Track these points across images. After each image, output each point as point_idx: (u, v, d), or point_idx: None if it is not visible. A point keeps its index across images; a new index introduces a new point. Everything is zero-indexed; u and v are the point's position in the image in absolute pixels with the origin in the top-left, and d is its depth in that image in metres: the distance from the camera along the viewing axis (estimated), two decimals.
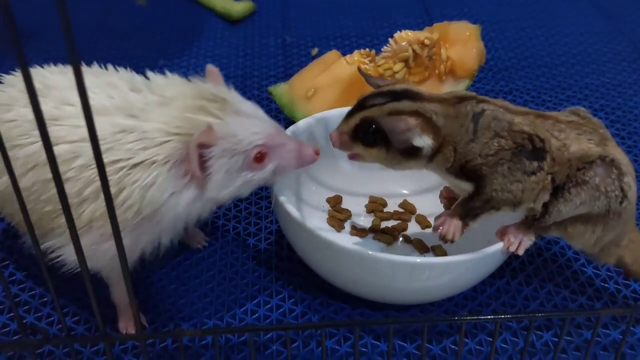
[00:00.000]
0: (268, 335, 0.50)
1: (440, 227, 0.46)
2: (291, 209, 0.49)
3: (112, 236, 0.32)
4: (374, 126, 0.44)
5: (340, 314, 0.52)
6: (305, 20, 0.98)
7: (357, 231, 0.59)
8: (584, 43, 0.93)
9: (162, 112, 0.41)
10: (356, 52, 0.72)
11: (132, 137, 0.41)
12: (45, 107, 0.42)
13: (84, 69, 0.46)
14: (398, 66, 0.70)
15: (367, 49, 0.73)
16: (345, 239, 0.58)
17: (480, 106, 0.44)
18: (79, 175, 0.41)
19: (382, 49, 0.72)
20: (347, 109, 0.60)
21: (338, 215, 0.60)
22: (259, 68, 0.86)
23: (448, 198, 0.53)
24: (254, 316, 0.52)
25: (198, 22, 0.97)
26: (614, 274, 0.56)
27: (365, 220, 0.61)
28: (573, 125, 0.46)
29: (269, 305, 0.53)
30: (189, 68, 0.86)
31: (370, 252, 0.46)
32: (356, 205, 0.62)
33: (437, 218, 0.47)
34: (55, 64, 0.48)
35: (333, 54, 0.74)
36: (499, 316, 0.42)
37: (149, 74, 0.45)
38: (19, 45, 0.24)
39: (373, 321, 0.51)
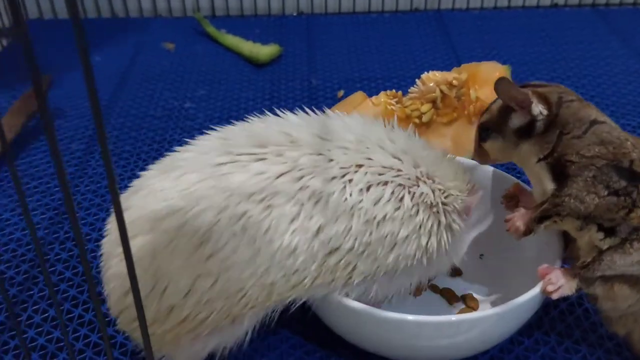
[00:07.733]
0: None
1: (508, 222, 0.46)
2: None
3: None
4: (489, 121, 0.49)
5: None
6: (332, 63, 0.98)
7: None
8: (617, 84, 0.90)
9: (451, 168, 0.48)
10: (382, 93, 0.71)
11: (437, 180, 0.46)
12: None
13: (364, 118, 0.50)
14: (425, 107, 0.68)
15: (394, 90, 0.72)
16: None
17: (603, 118, 0.46)
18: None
19: (409, 90, 0.70)
20: None
21: None
22: (285, 111, 0.85)
23: (512, 195, 0.52)
24: None
25: (225, 65, 0.98)
26: None
27: None
28: None
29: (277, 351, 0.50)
30: (215, 110, 0.86)
31: (391, 314, 0.44)
32: None
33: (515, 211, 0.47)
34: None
35: (359, 95, 0.73)
36: None
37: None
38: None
39: None
